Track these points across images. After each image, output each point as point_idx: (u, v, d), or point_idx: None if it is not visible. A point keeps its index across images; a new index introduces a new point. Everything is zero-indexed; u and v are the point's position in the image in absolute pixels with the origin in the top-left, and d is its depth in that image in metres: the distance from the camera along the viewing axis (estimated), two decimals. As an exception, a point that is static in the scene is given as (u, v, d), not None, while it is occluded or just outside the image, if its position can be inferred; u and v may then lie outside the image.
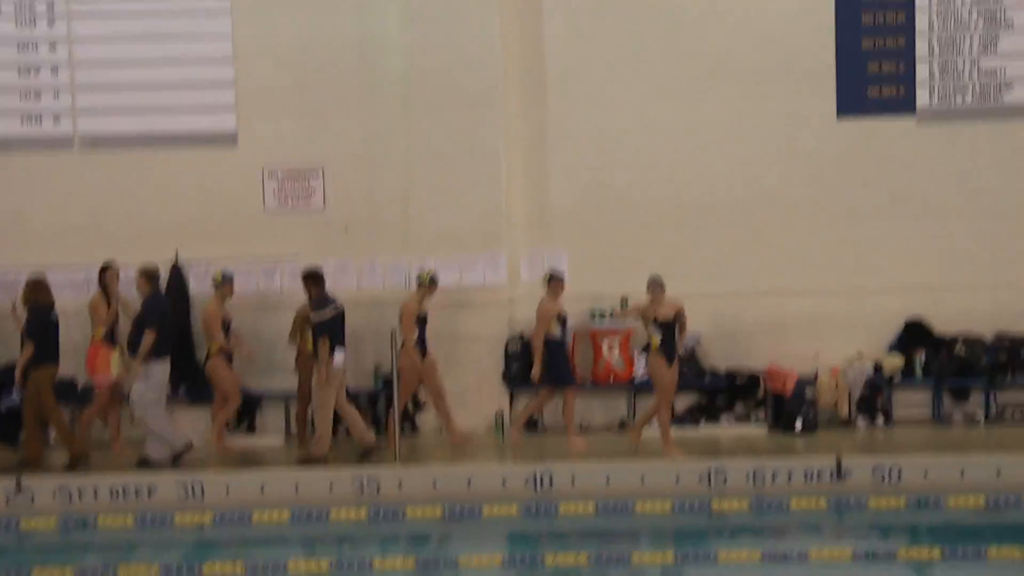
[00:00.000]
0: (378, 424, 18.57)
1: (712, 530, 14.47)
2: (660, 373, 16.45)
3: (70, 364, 18.00)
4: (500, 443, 18.19)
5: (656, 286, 16.41)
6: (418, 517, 13.64)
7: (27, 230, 19.13)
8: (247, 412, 18.63)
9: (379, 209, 19.26)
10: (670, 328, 16.38)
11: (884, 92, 19.29)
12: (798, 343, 18.97)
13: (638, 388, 18.99)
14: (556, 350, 17.31)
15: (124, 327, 17.37)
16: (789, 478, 15.54)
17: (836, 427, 18.51)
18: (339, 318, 16.74)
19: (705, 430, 18.49)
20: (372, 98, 19.32)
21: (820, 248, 19.23)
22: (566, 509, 13.82)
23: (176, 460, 16.45)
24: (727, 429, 18.56)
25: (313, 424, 17.13)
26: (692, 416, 18.80)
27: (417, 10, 19.06)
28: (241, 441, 18.21)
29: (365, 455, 16.58)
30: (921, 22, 19.25)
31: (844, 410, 18.68)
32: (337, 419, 17.03)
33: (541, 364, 17.26)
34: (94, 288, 18.08)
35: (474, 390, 18.65)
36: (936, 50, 19.27)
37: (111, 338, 17.45)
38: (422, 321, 17.49)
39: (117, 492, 15.61)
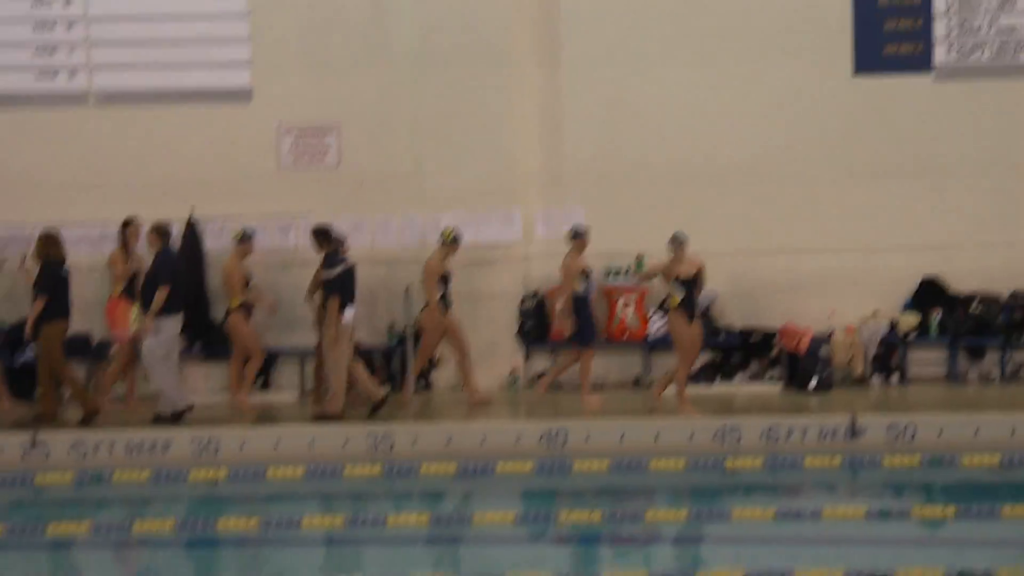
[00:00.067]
0: (392, 381, 18.60)
1: (726, 488, 14.46)
2: (680, 331, 16.38)
3: (85, 320, 18.08)
4: (514, 400, 18.22)
5: (679, 243, 16.32)
6: (432, 474, 13.65)
7: (42, 186, 19.12)
8: (262, 369, 18.65)
9: (393, 166, 19.23)
10: (691, 286, 16.32)
11: (901, 49, 19.19)
12: (813, 301, 18.95)
13: (652, 346, 18.99)
14: (579, 307, 17.24)
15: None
16: (803, 436, 15.54)
17: (851, 385, 18.51)
18: (349, 275, 16.71)
19: (719, 388, 18.49)
20: (386, 55, 19.26)
21: (836, 206, 19.19)
22: (580, 466, 13.81)
23: (176, 418, 16.47)
24: (741, 387, 18.57)
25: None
26: (706, 374, 18.80)
27: (431, -34, 19.06)
28: (256, 397, 18.23)
29: (375, 410, 16.60)
30: (939, -22, 19.20)
31: (859, 368, 18.66)
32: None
33: (570, 320, 17.17)
34: (108, 244, 18.11)
35: (488, 347, 18.65)
36: (954, 6, 19.16)
37: (130, 293, 17.44)
38: (445, 279, 17.44)
39: (132, 447, 15.66)
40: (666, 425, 15.84)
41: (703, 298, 17.24)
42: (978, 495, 13.76)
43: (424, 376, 18.77)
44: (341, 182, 19.31)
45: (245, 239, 17.68)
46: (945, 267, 19.12)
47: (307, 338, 17.85)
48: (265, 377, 18.90)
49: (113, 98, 19.34)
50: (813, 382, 18.04)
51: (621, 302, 18.99)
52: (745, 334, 19.03)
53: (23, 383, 18.05)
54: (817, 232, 19.15)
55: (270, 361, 18.82)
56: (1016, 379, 18.79)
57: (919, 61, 19.20)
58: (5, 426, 16.51)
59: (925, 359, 19.05)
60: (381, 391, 16.93)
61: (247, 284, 17.64)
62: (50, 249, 16.75)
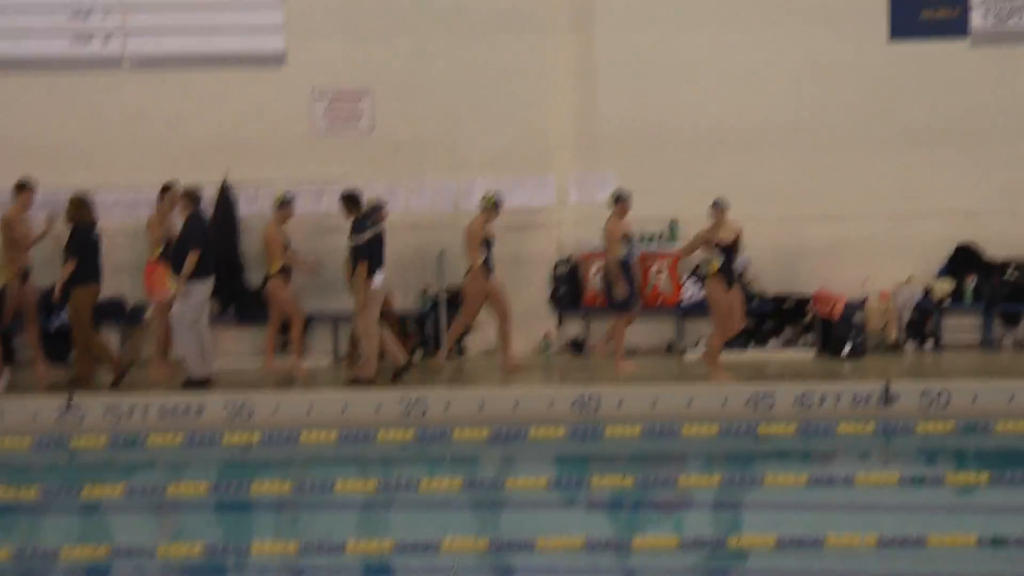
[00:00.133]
0: (426, 346, 18.63)
1: (758, 454, 14.46)
2: (718, 297, 16.33)
3: (119, 283, 18.18)
4: (547, 365, 18.24)
5: (720, 209, 16.26)
6: (464, 439, 13.67)
7: (76, 150, 19.12)
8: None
9: (427, 131, 19.21)
10: (729, 252, 16.26)
11: (938, 14, 19.05)
12: (847, 268, 18.88)
13: (686, 312, 18.96)
14: (621, 271, 17.21)
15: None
16: (836, 402, 15.52)
17: (884, 352, 18.47)
18: (378, 240, 16.71)
19: (752, 354, 18.46)
20: (420, 20, 19.23)
21: (871, 172, 19.10)
22: (612, 432, 13.82)
23: (188, 385, 16.52)
24: (775, 353, 18.53)
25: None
26: (740, 340, 18.74)
27: (465, -70, 19.02)
28: (289, 362, 18.28)
29: (397, 376, 16.60)
30: (977, -58, 19.06)
31: (892, 335, 18.62)
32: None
33: (622, 283, 17.15)
34: (143, 209, 18.18)
35: (521, 313, 18.64)
36: (991, -29, 19.05)
37: (167, 258, 17.47)
38: (487, 244, 17.43)
39: (166, 411, 15.73)
40: (699, 391, 15.84)
41: (736, 264, 17.18)
42: (1012, 462, 13.73)
43: (458, 341, 18.76)
44: (375, 147, 19.30)
45: (285, 204, 17.68)
46: (980, 233, 19.04)
47: (341, 303, 17.89)
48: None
49: (147, 63, 19.35)
50: (846, 348, 18.01)
51: (654, 268, 18.97)
52: (779, 300, 18.98)
53: (58, 347, 18.11)
54: (851, 198, 19.07)
55: (303, 326, 18.83)
56: (1051, 346, 18.75)
57: (955, 26, 19.06)
58: (40, 389, 16.60)
59: (959, 326, 18.99)
60: (404, 356, 16.95)
61: (286, 249, 17.66)
62: (81, 212, 16.80)
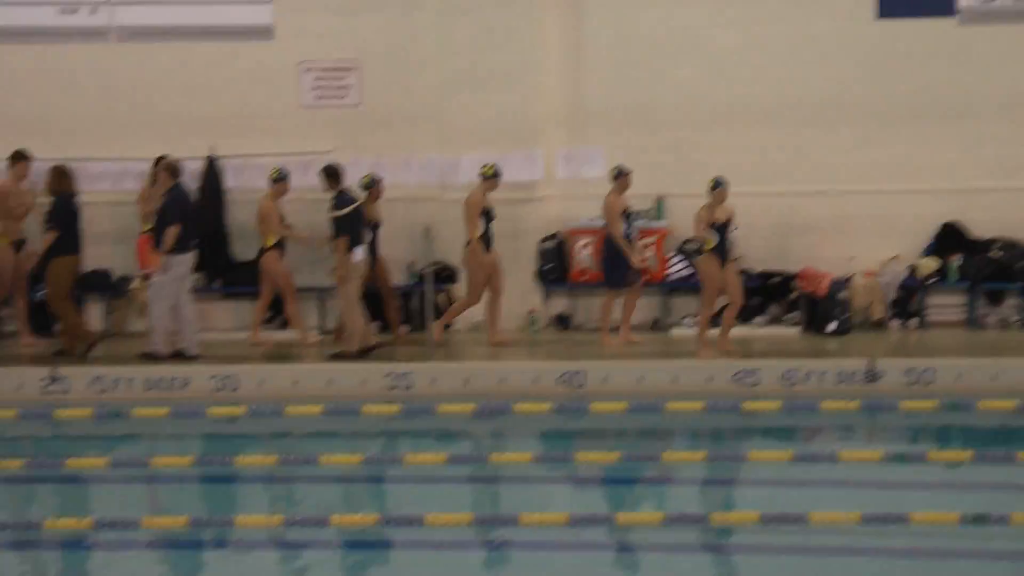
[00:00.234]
0: (412, 320, 18.62)
1: (743, 431, 14.48)
2: (711, 274, 16.34)
3: (105, 255, 18.17)
4: (533, 340, 18.25)
5: (719, 187, 16.25)
6: (450, 413, 13.68)
7: (63, 121, 19.04)
8: (282, 307, 18.64)
9: (414, 106, 19.16)
10: (723, 231, 16.28)
11: (926, -7, 19.09)
12: (833, 245, 18.90)
13: (672, 288, 18.97)
14: (614, 247, 17.21)
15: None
16: (821, 380, 15.55)
17: (869, 329, 18.51)
18: (357, 214, 16.67)
19: (738, 331, 18.45)
20: (408, -7, 19.22)
21: (856, 150, 19.11)
22: (598, 407, 13.83)
23: (146, 357, 16.48)
24: (760, 330, 18.55)
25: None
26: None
27: (454, -97, 18.96)
28: (275, 335, 18.27)
29: (363, 353, 16.52)
30: (965, -81, 19.05)
31: (878, 312, 18.65)
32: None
33: (640, 256, 17.22)
34: (129, 181, 18.17)
35: (507, 288, 18.61)
36: (980, -51, 19.05)
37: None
38: (487, 216, 17.40)
39: (151, 383, 15.72)
40: (684, 367, 15.86)
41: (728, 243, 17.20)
42: (995, 440, 13.78)
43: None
44: (362, 121, 19.26)
45: (281, 178, 17.68)
46: (966, 212, 19.07)
47: (326, 277, 17.86)
48: (284, 316, 18.92)
49: (134, 34, 19.28)
50: (832, 326, 18.04)
51: (640, 244, 18.94)
52: (764, 277, 19.00)
53: (45, 318, 18.07)
54: (837, 175, 19.07)
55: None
56: (1035, 325, 18.79)
57: (943, 4, 19.06)
58: (25, 361, 16.58)
59: (944, 304, 19.02)
60: (375, 338, 16.93)
61: (281, 223, 17.65)
62: (62, 183, 16.77)
